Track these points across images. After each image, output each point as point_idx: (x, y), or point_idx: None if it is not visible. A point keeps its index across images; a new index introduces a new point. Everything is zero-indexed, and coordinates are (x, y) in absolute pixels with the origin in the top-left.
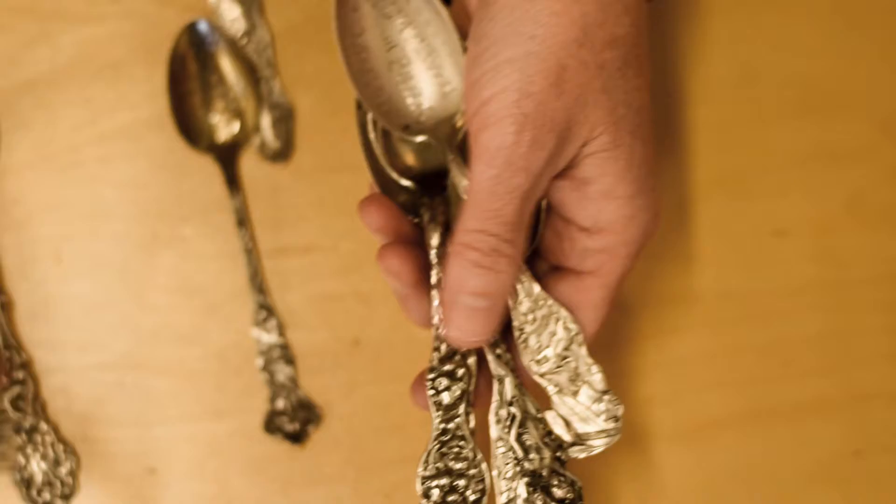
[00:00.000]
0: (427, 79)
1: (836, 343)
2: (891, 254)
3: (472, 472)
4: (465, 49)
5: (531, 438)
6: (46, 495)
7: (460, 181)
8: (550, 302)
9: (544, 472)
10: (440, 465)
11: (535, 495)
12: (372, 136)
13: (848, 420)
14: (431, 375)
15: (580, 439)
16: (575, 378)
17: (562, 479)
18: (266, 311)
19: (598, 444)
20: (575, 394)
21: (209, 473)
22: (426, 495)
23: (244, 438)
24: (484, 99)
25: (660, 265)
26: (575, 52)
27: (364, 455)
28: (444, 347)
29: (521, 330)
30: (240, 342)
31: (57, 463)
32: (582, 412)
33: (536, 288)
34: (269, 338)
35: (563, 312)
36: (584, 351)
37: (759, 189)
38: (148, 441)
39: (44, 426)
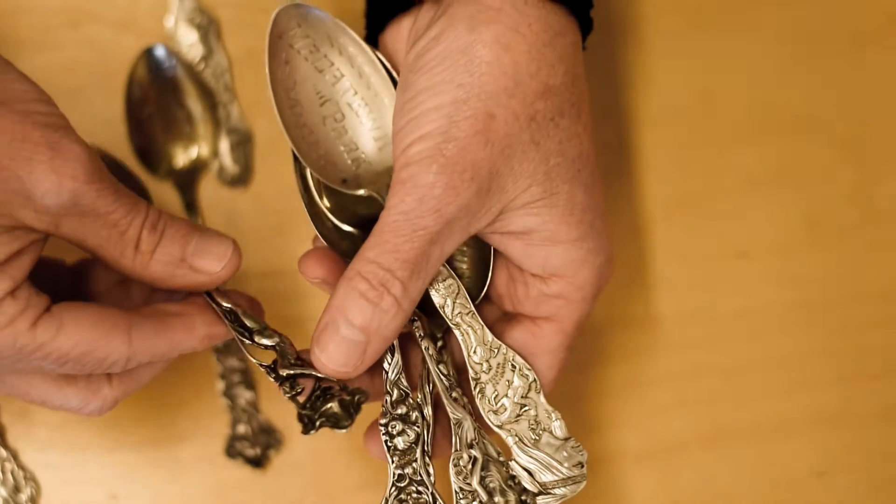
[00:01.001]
0: (363, 132)
1: (798, 364)
2: (850, 274)
3: None
4: None
5: (494, 481)
6: None
7: None
8: (505, 349)
9: None
10: None
11: None
12: (312, 186)
13: (811, 441)
14: (384, 420)
15: (545, 488)
16: (535, 426)
17: None
18: None
19: (564, 492)
20: (536, 443)
21: (171, 498)
22: None
23: (205, 463)
24: (409, 143)
25: (622, 288)
26: (505, 102)
27: (326, 480)
28: (396, 392)
29: (477, 379)
30: (200, 367)
31: (17, 490)
32: (544, 460)
33: (490, 335)
34: (230, 361)
35: (519, 360)
36: (542, 398)
37: (720, 211)
38: (109, 466)
39: (3, 452)
